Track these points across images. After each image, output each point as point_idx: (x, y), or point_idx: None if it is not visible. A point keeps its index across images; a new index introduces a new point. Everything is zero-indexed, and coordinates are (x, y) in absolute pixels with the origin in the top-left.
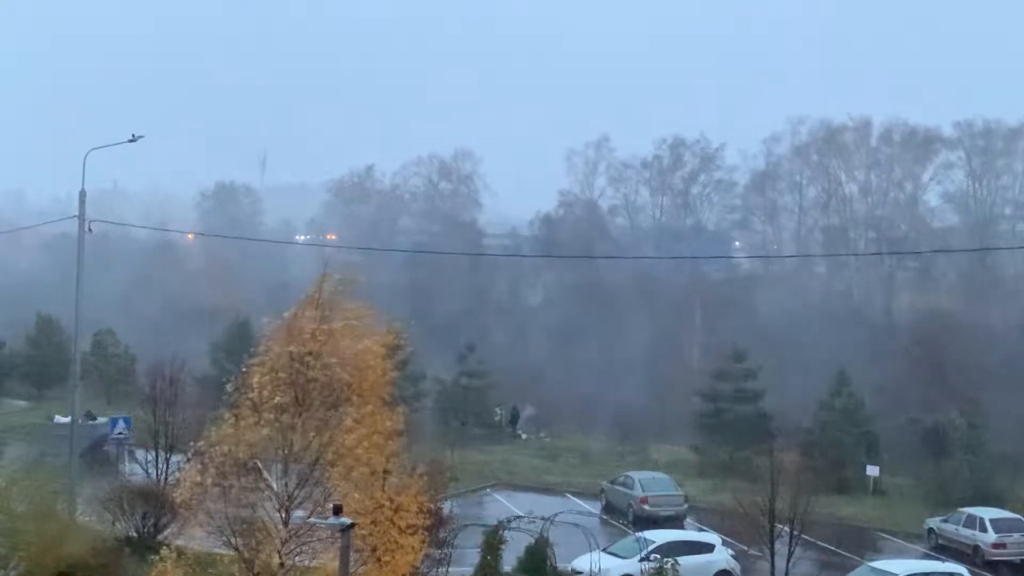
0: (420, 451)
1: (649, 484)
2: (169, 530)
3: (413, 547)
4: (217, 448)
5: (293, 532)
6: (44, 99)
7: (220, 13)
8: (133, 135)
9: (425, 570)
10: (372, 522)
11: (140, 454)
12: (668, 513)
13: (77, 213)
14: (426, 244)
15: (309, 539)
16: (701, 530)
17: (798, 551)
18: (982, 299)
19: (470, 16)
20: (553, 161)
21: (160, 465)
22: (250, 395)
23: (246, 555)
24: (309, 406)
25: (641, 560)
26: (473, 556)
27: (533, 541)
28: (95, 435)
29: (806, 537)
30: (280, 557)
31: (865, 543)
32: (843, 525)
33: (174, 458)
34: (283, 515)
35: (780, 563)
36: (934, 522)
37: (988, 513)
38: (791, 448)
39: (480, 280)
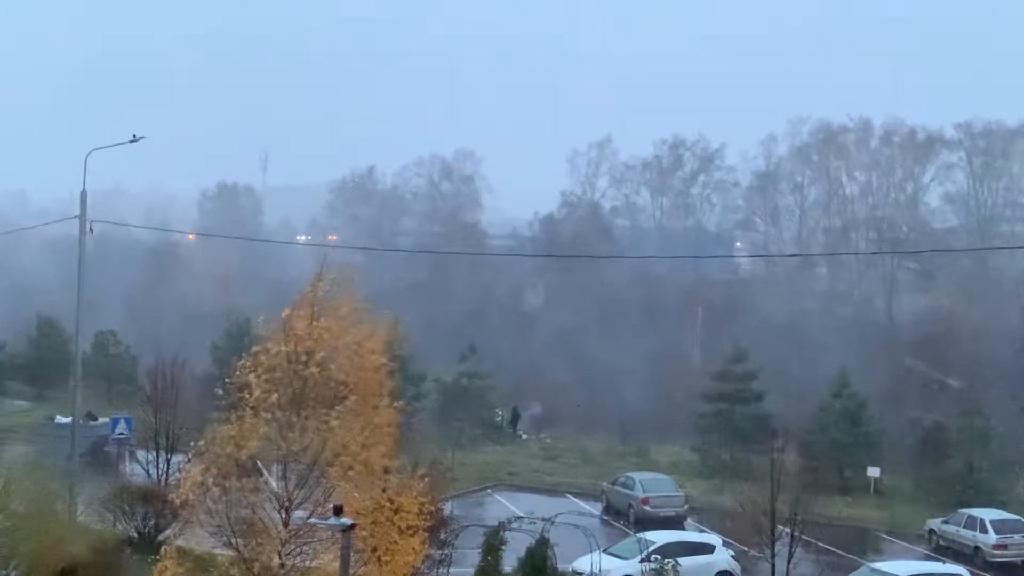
0: (421, 451)
1: (650, 485)
2: (170, 530)
3: (414, 548)
4: (216, 449)
5: (293, 533)
6: (46, 99)
7: (222, 14)
8: (134, 136)
9: (426, 571)
10: (372, 523)
11: (141, 454)
12: (669, 514)
13: (79, 213)
14: (428, 244)
15: (309, 540)
16: (702, 531)
17: (799, 552)
18: (983, 300)
19: (471, 17)
20: (554, 162)
21: (161, 465)
22: (246, 396)
23: (246, 555)
24: (306, 405)
25: (642, 561)
26: (474, 557)
27: (533, 542)
28: (96, 435)
29: (807, 538)
30: (280, 557)
31: (866, 544)
32: (844, 526)
33: (175, 458)
34: (283, 516)
35: (781, 564)
36: (935, 523)
37: (989, 514)
38: (792, 449)
39: (482, 281)
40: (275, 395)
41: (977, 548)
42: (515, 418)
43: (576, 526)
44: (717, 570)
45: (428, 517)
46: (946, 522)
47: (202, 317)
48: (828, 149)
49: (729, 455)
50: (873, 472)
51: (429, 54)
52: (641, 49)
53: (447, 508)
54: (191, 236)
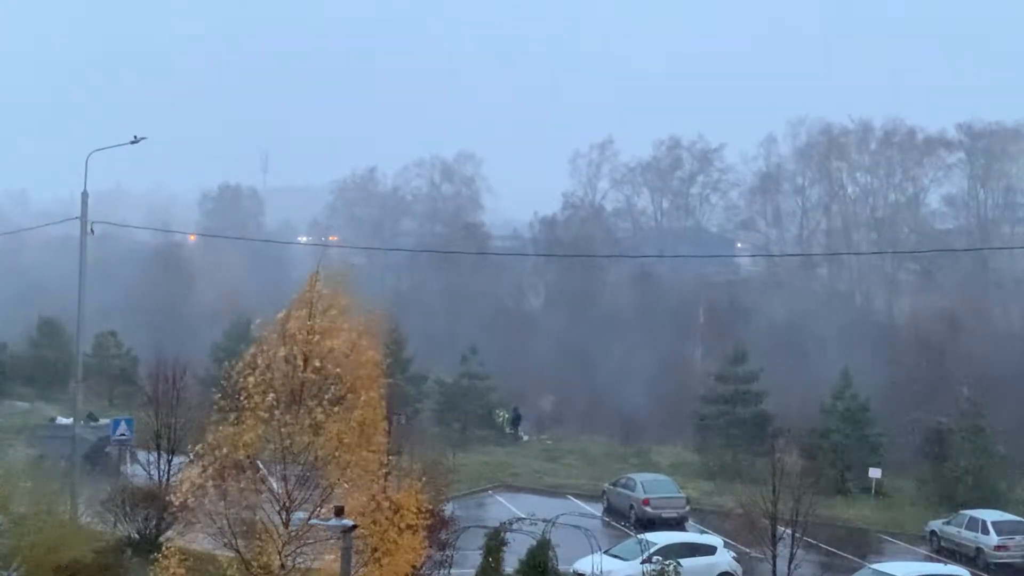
0: (421, 452)
1: (651, 486)
2: (171, 531)
3: (414, 547)
4: (214, 450)
5: (294, 534)
6: (47, 100)
7: (222, 14)
8: (136, 136)
9: (427, 572)
10: (372, 522)
11: (142, 455)
12: (670, 515)
13: (80, 214)
14: (429, 245)
15: (310, 540)
16: (703, 532)
17: (800, 553)
18: (983, 300)
19: (471, 18)
20: (555, 163)
21: (162, 466)
22: (243, 397)
23: (247, 556)
24: (303, 405)
25: (643, 562)
26: (475, 558)
27: (534, 543)
28: (97, 436)
29: (808, 539)
30: (281, 558)
31: (867, 545)
32: (845, 527)
33: (176, 459)
34: (283, 517)
35: (782, 565)
36: (936, 524)
37: (990, 515)
38: (793, 450)
39: (483, 282)
40: (271, 396)
41: (978, 549)
42: (516, 419)
43: (577, 527)
44: (718, 571)
45: (427, 516)
46: (947, 523)
47: (203, 318)
48: (829, 150)
49: (730, 456)
50: (874, 473)
51: (430, 55)
52: (642, 50)
53: (448, 509)
54: (192, 237)
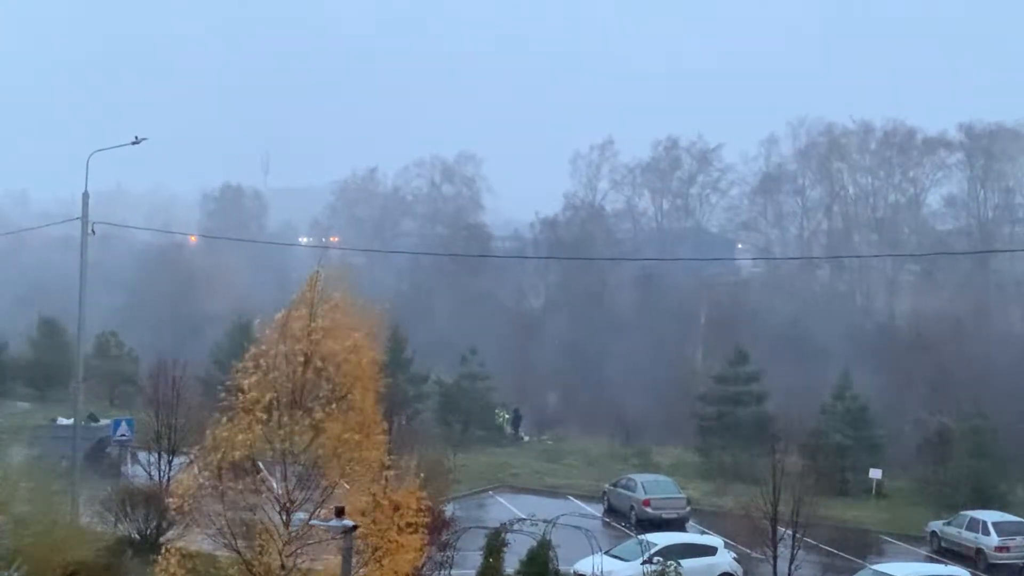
0: (422, 452)
1: (651, 487)
2: (171, 532)
3: (414, 546)
4: (209, 452)
5: (294, 534)
6: (48, 100)
7: (223, 15)
8: (136, 137)
9: (427, 572)
10: (372, 522)
11: (142, 456)
12: (670, 516)
13: (80, 215)
14: (430, 246)
15: (310, 541)
16: (703, 533)
17: (800, 554)
18: (984, 302)
19: (471, 19)
20: (555, 163)
21: (162, 467)
22: (242, 397)
23: (247, 557)
24: (304, 406)
25: (643, 563)
26: (475, 558)
27: (535, 544)
28: (97, 437)
29: (808, 540)
30: (281, 559)
31: (867, 546)
32: (845, 528)
33: (177, 460)
34: (284, 517)
35: (782, 566)
36: (936, 525)
37: (991, 516)
38: (793, 451)
39: (484, 282)
40: (269, 396)
41: (979, 550)
42: (516, 420)
43: (578, 528)
44: (719, 572)
45: (427, 514)
46: (948, 524)
47: (204, 318)
48: (830, 151)
49: (731, 457)
50: (875, 474)
51: (430, 55)
52: (642, 50)
53: (448, 510)
54: (193, 238)
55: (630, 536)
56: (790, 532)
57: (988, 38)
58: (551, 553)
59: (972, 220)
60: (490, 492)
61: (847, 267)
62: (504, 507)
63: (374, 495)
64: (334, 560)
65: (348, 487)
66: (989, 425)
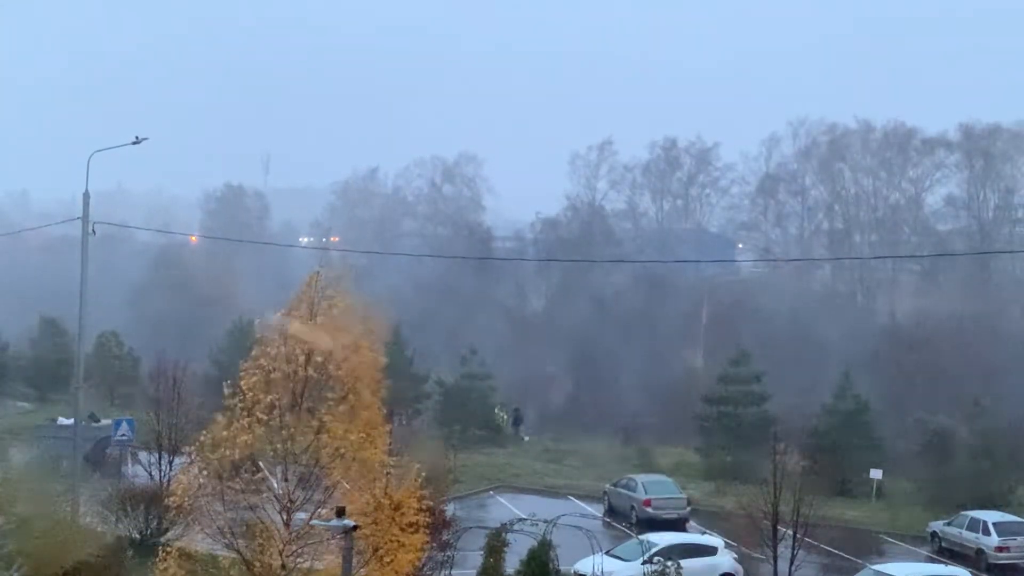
0: (422, 452)
1: (652, 487)
2: (172, 531)
3: (415, 545)
4: (212, 451)
5: (295, 534)
6: (49, 101)
7: (224, 16)
8: (137, 137)
9: (428, 572)
10: (373, 522)
11: (143, 456)
12: (671, 516)
13: (81, 215)
14: (431, 246)
15: (311, 541)
16: (704, 533)
17: (801, 554)
18: (984, 302)
19: (471, 20)
20: (556, 164)
21: (163, 467)
22: (242, 397)
23: (247, 557)
24: (305, 406)
25: (644, 563)
26: (476, 558)
27: (535, 544)
28: (98, 437)
29: (809, 540)
30: (282, 559)
31: (868, 546)
32: (846, 528)
33: (177, 460)
34: (284, 517)
35: (783, 566)
36: (937, 525)
37: (991, 516)
38: (794, 451)
39: (484, 282)
40: (269, 396)
41: (979, 550)
42: (517, 420)
43: (578, 528)
44: (719, 572)
45: (428, 513)
46: (948, 524)
47: (204, 318)
48: (831, 151)
49: (732, 457)
50: (875, 474)
51: (430, 56)
52: (643, 50)
53: (449, 510)
54: (193, 238)
55: (630, 536)
56: (790, 532)
57: (988, 38)
58: (551, 553)
59: (972, 220)
60: (490, 492)
61: (848, 267)
62: (504, 507)
63: (375, 495)
64: (335, 560)
65: (349, 487)
66: (989, 425)
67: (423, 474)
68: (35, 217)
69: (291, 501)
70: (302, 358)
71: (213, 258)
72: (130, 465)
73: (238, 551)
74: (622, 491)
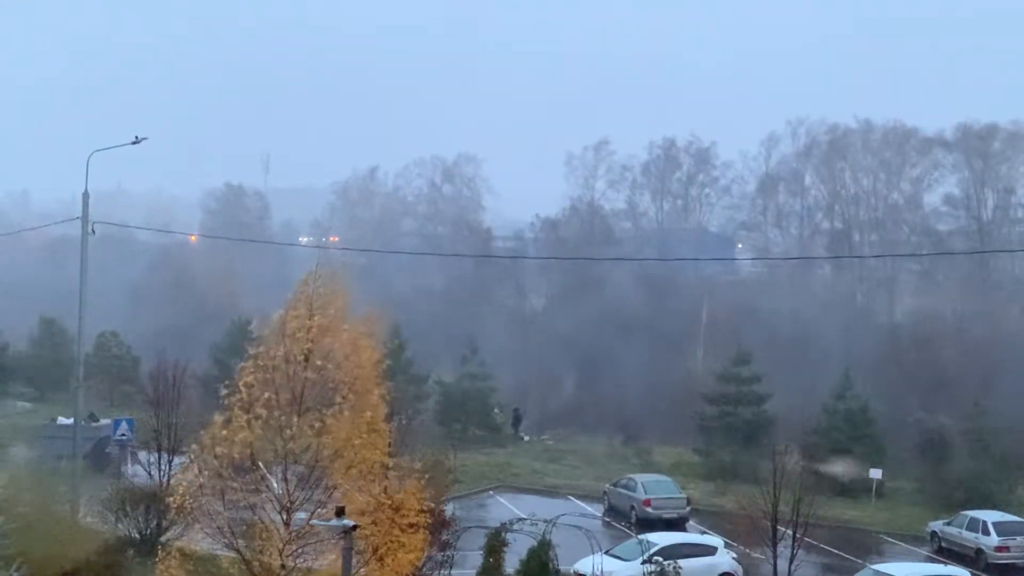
0: (422, 452)
1: (652, 486)
2: (172, 531)
3: (415, 546)
4: (211, 450)
5: (295, 534)
6: (49, 101)
7: (224, 16)
8: (137, 137)
9: (428, 572)
10: (373, 522)
11: (143, 455)
12: (671, 515)
13: (81, 214)
14: (431, 246)
15: (311, 541)
16: (704, 533)
17: (800, 554)
18: (984, 301)
19: (471, 20)
20: (555, 164)
21: (163, 466)
22: (240, 396)
23: (247, 557)
24: (304, 406)
25: (643, 562)
26: (475, 558)
27: (535, 543)
28: (98, 437)
29: (808, 540)
30: (281, 559)
31: (867, 546)
32: (846, 528)
33: (177, 459)
34: (284, 517)
35: (783, 566)
36: (936, 525)
37: (991, 516)
38: (794, 450)
39: (484, 282)
40: (267, 395)
41: (979, 550)
42: (517, 419)
43: (578, 528)
44: (719, 572)
45: (428, 514)
46: (948, 524)
47: (204, 318)
48: (831, 151)
49: (731, 457)
50: (875, 474)
51: (430, 56)
52: (643, 50)
53: (449, 509)
54: (193, 238)
55: (630, 536)
56: (790, 532)
57: (988, 38)
58: (551, 553)
59: (971, 220)
60: (490, 492)
61: (847, 267)
62: (504, 507)
63: (375, 495)
64: (335, 560)
65: (349, 487)
66: (989, 425)
67: (423, 475)
68: (35, 217)
69: (291, 501)
70: (301, 357)
71: (213, 258)
72: (129, 465)
73: (238, 551)
74: (622, 491)
